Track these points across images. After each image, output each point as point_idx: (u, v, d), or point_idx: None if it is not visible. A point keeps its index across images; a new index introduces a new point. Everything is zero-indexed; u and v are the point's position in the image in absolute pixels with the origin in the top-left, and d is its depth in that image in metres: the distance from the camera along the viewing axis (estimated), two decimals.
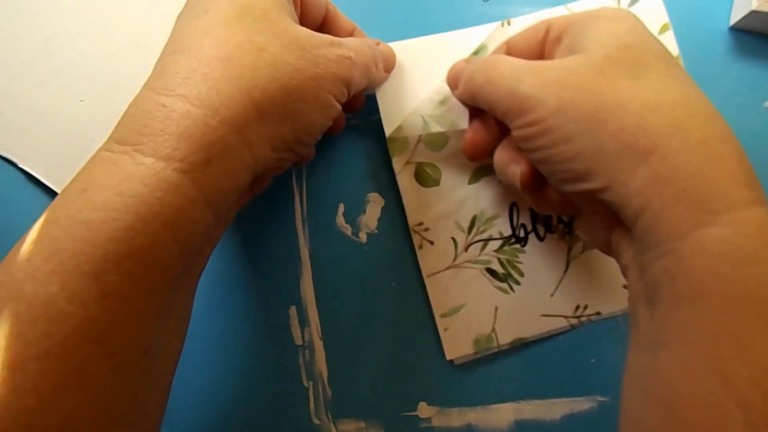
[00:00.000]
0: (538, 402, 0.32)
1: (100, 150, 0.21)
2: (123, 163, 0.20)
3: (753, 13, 0.31)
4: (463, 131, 0.30)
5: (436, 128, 0.31)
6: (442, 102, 0.31)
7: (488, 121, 0.29)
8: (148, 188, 0.19)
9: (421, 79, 0.32)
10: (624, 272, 0.24)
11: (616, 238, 0.24)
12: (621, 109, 0.21)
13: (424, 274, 0.32)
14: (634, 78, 0.22)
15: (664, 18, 0.32)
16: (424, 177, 0.32)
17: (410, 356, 0.33)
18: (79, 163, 0.21)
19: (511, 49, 0.29)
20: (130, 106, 0.22)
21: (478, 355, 0.32)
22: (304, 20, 0.28)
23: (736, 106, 0.32)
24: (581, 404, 0.32)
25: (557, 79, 0.23)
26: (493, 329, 0.32)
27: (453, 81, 0.29)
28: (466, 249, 0.32)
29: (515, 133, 0.25)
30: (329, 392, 0.33)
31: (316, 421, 0.33)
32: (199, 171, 0.20)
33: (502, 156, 0.28)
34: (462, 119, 0.30)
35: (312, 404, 0.33)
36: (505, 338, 0.32)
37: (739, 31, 0.33)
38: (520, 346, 0.32)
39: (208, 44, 0.22)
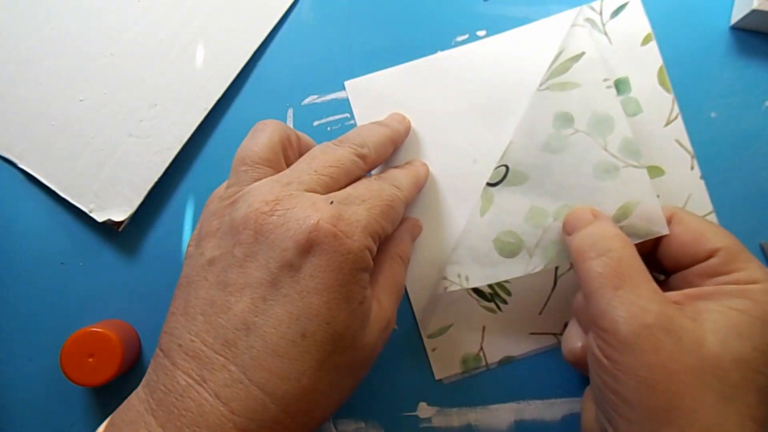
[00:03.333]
0: (538, 402, 0.32)
1: None
2: None
3: (754, 12, 0.30)
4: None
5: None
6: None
7: None
8: None
9: (397, 109, 0.33)
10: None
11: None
12: None
13: (410, 295, 0.32)
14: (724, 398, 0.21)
15: (646, 29, 0.32)
16: None
17: (410, 356, 0.33)
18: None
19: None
20: None
21: (466, 374, 0.32)
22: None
23: (736, 105, 0.32)
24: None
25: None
26: (481, 348, 0.32)
27: (570, 227, 0.27)
28: None
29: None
30: None
31: None
32: None
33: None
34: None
35: None
36: (493, 357, 0.32)
37: (739, 30, 0.32)
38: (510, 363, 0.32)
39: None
